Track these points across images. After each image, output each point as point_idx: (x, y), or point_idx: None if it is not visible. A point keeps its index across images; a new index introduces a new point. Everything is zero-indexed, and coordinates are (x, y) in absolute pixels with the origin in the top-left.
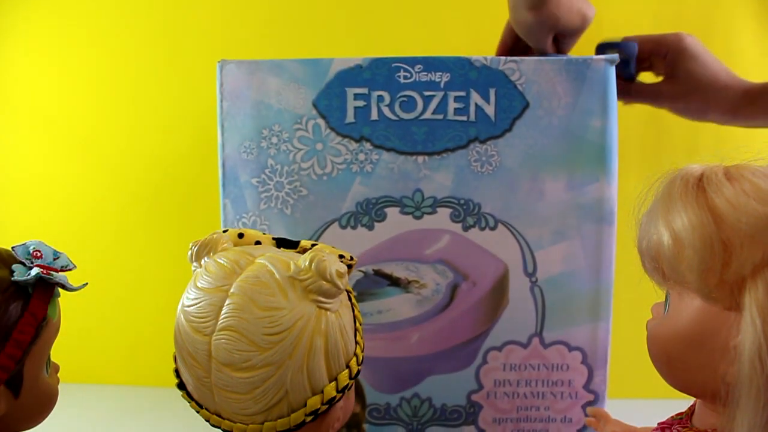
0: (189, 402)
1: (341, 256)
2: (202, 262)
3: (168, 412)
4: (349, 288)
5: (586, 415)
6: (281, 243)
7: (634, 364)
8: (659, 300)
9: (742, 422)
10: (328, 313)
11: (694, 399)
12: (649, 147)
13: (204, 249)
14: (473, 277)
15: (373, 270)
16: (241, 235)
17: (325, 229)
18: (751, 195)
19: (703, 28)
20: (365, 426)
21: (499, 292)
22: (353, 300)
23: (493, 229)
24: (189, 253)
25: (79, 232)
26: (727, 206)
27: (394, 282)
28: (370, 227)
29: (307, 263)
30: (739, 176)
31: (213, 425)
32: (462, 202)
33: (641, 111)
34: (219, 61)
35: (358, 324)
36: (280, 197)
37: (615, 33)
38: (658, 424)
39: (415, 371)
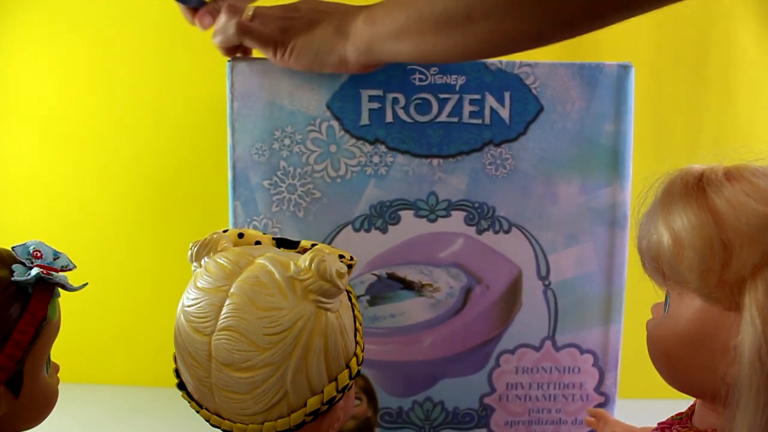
0: (189, 402)
1: (341, 256)
2: (202, 262)
3: (168, 412)
4: (350, 288)
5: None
6: (281, 243)
7: (636, 365)
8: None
9: (742, 422)
10: (328, 313)
11: (694, 399)
12: (649, 147)
13: (204, 249)
14: (487, 280)
15: (387, 273)
16: (241, 235)
17: (339, 232)
18: (751, 195)
19: (703, 28)
20: (377, 430)
21: (512, 296)
22: (353, 300)
23: (507, 232)
24: (189, 253)
25: (79, 233)
26: (727, 206)
27: (408, 285)
28: (384, 230)
29: (307, 263)
30: (739, 176)
31: (213, 425)
32: (476, 205)
33: (641, 111)
34: (229, 60)
35: (358, 324)
36: (292, 200)
37: (613, 31)
38: (658, 424)
39: (427, 375)
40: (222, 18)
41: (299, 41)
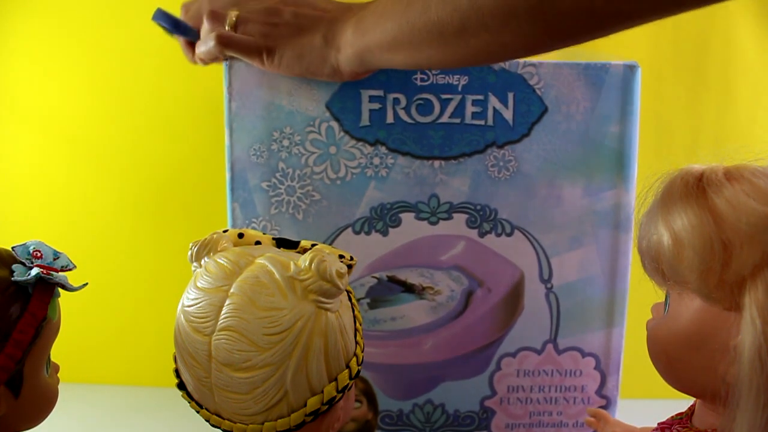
0: (189, 402)
1: (341, 256)
2: (202, 262)
3: (168, 412)
4: (350, 288)
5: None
6: (281, 243)
7: (636, 365)
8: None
9: (742, 422)
10: (328, 313)
11: (694, 399)
12: (649, 147)
13: (204, 249)
14: (488, 283)
15: (387, 276)
16: (241, 235)
17: (338, 235)
18: (751, 195)
19: (703, 28)
20: None
21: (514, 299)
22: (353, 300)
23: (509, 235)
24: (189, 253)
25: (79, 233)
26: (727, 206)
27: (409, 288)
28: (385, 233)
29: (307, 263)
30: (739, 176)
31: (213, 425)
32: (478, 207)
33: (641, 111)
34: (226, 60)
35: (358, 324)
36: (291, 202)
37: None
38: (658, 424)
39: (428, 378)
40: (204, 27)
41: (287, 51)
